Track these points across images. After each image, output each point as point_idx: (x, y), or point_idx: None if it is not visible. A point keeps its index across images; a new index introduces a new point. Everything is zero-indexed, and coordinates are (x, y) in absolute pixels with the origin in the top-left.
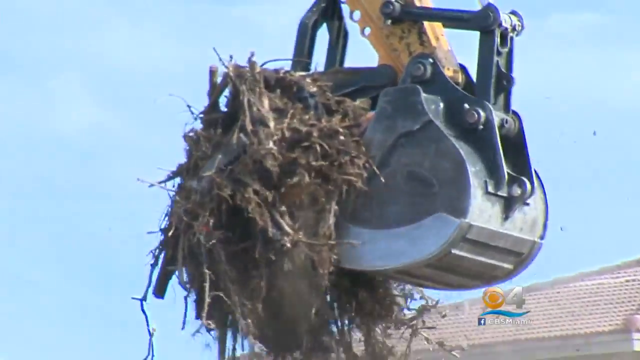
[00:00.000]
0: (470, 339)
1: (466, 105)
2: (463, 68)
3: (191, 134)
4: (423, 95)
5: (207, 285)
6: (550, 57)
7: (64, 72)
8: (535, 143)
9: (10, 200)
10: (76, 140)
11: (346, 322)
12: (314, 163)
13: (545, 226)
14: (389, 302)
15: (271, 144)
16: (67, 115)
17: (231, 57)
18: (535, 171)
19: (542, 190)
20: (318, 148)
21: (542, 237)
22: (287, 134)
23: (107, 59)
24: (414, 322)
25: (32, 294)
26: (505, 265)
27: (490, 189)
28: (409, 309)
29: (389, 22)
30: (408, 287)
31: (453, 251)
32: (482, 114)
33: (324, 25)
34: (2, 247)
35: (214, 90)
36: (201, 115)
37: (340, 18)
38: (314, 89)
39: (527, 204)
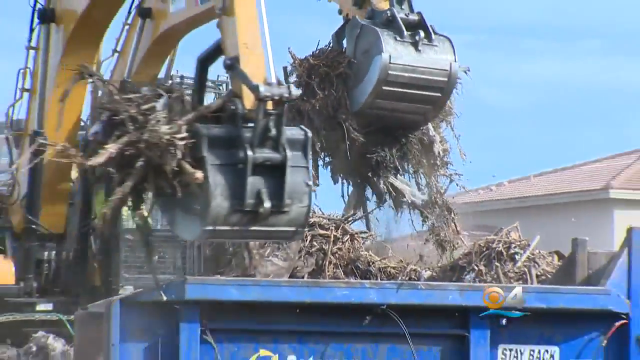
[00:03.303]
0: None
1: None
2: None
3: None
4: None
5: None
6: None
7: None
8: None
9: None
10: None
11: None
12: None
13: (454, 56)
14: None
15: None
16: None
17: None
18: (447, 38)
19: (451, 45)
20: None
21: (455, 60)
22: None
23: None
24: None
25: None
26: (440, 78)
27: (399, 39)
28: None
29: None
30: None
31: (390, 72)
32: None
33: None
34: None
35: None
36: None
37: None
38: None
39: (436, 45)
